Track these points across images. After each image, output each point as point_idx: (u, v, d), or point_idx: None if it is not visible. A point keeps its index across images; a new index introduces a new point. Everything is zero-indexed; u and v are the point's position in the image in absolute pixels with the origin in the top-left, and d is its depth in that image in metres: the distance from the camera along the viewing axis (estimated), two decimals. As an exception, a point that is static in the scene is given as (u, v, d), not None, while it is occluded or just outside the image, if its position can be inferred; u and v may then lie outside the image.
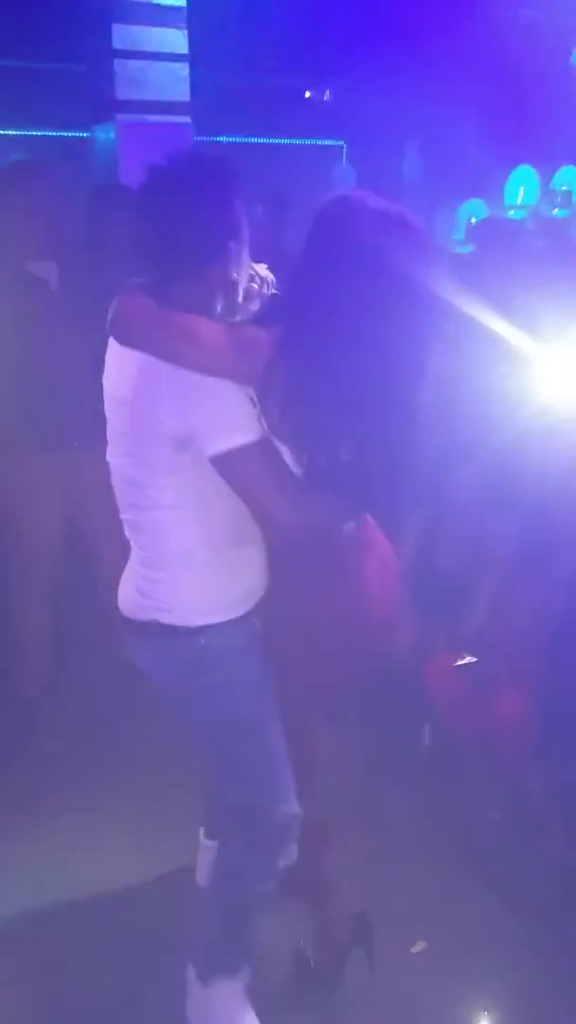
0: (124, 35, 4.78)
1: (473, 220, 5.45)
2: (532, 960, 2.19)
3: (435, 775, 2.74)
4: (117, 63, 4.78)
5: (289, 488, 1.59)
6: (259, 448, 1.56)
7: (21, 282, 2.78)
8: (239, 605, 1.70)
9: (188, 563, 1.67)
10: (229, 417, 1.55)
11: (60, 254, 2.81)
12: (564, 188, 6.18)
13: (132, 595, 1.75)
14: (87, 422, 1.92)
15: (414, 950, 2.23)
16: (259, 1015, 1.91)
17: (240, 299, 1.66)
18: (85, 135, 5.82)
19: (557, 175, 6.26)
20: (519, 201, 6.35)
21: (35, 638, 3.14)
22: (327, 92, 7.19)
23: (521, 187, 6.38)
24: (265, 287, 1.70)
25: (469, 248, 5.47)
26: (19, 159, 3.23)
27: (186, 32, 4.90)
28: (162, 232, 1.58)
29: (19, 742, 2.97)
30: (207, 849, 1.97)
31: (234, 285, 1.63)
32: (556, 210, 6.06)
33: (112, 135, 5.03)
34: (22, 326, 2.71)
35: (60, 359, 2.70)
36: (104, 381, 1.71)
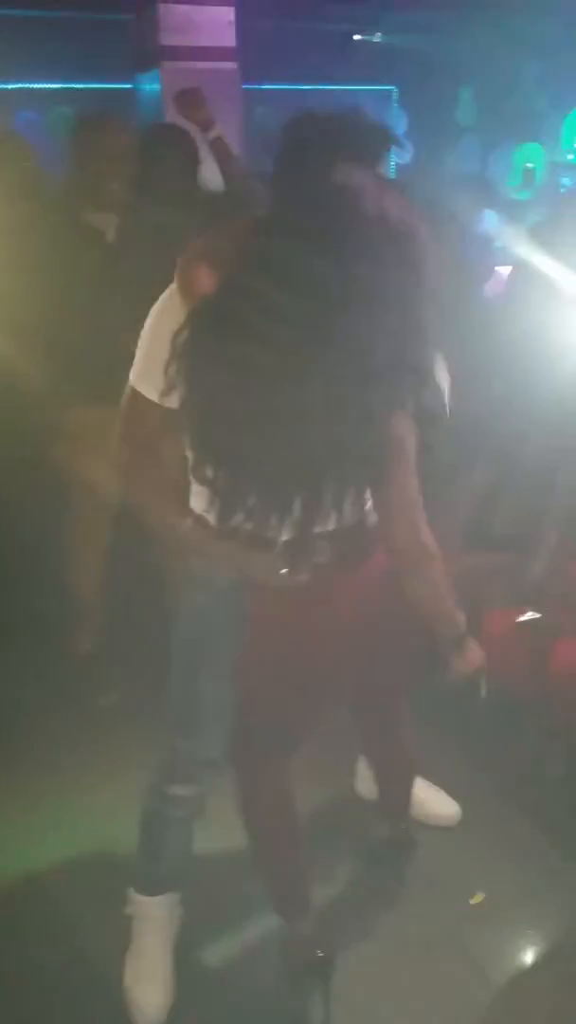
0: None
1: (529, 165, 5.28)
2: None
3: (492, 729, 2.72)
4: (162, 8, 4.67)
5: None
6: None
7: (76, 232, 2.75)
8: None
9: None
10: None
11: (121, 207, 2.76)
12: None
13: None
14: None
15: (473, 901, 2.24)
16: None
17: None
18: (129, 86, 5.74)
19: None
20: (576, 146, 6.14)
21: (89, 594, 3.16)
22: (377, 35, 6.96)
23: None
24: None
25: (526, 194, 5.31)
26: (94, 110, 3.16)
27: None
28: None
29: (75, 697, 3.01)
30: None
31: None
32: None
33: (157, 85, 4.94)
34: (74, 277, 2.68)
35: (112, 311, 2.65)
36: None
